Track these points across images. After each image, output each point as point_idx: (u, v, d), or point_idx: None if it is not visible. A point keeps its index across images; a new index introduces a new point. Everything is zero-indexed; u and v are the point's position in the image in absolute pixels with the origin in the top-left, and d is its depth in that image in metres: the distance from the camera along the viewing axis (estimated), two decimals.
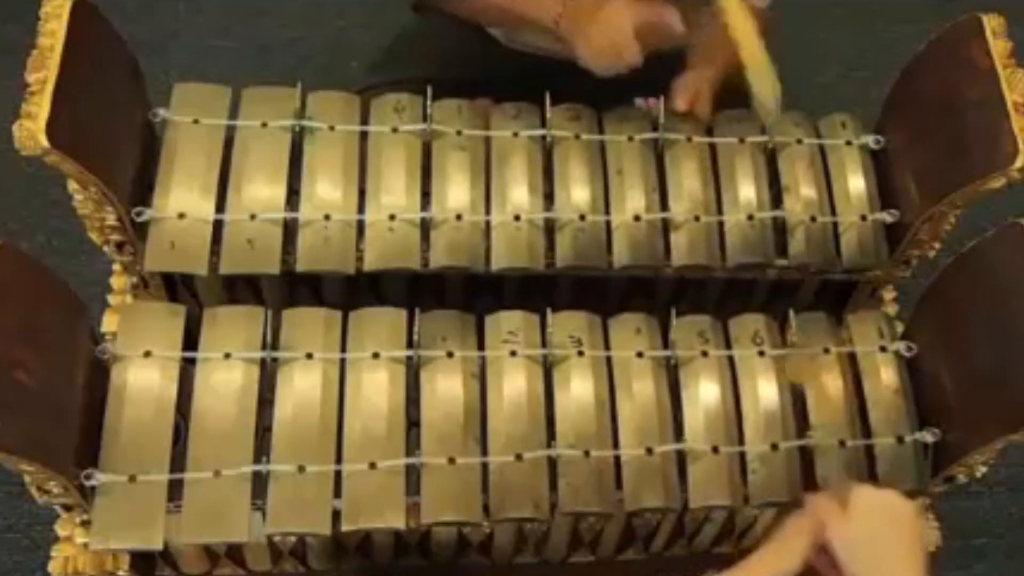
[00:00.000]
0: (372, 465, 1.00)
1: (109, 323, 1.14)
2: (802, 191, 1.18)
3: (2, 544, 1.54)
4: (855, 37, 2.12)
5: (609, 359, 1.09)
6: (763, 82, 1.09)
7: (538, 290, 1.18)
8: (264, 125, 1.13)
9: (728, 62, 1.19)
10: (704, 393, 1.08)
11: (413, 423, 1.04)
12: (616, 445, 1.05)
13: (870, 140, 1.21)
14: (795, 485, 1.06)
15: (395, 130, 1.15)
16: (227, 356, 1.03)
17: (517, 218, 1.13)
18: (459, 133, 1.16)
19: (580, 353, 1.08)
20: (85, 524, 1.01)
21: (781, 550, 0.94)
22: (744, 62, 1.07)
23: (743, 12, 1.06)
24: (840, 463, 1.07)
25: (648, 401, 1.07)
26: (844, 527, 0.93)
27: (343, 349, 1.05)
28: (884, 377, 1.12)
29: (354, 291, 1.16)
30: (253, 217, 1.09)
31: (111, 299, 1.18)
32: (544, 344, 1.07)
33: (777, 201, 1.19)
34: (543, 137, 1.17)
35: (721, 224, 1.16)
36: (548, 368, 1.08)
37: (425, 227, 1.11)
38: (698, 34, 1.21)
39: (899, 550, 0.92)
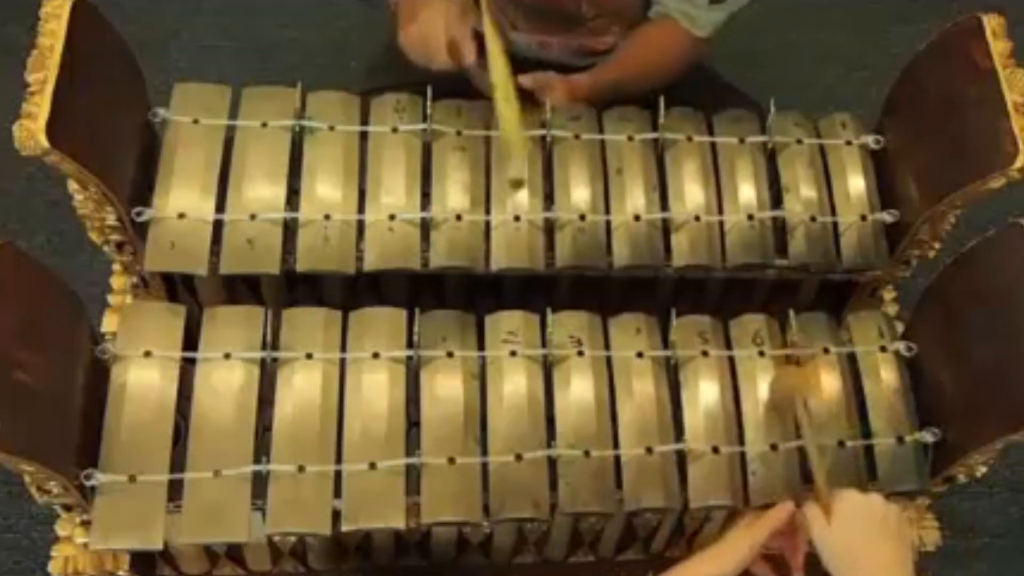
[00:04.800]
0: (372, 465, 1.00)
1: (109, 323, 1.14)
2: (802, 191, 1.18)
3: (2, 544, 1.54)
4: (855, 37, 2.12)
5: (609, 359, 1.09)
6: (510, 125, 1.12)
7: (538, 290, 1.18)
8: (264, 125, 1.13)
9: (618, 77, 1.31)
10: (704, 393, 1.08)
11: (413, 423, 1.04)
12: (616, 445, 1.05)
13: (870, 140, 1.21)
14: (795, 485, 1.06)
15: (395, 130, 1.15)
16: (227, 356, 1.03)
17: (517, 218, 1.13)
18: (459, 133, 1.16)
19: (580, 353, 1.08)
20: (85, 524, 1.01)
21: (720, 554, 0.95)
22: (497, 105, 1.12)
23: (500, 57, 1.12)
24: (839, 463, 1.07)
25: (648, 401, 1.07)
26: (826, 532, 0.94)
27: (343, 349, 1.05)
28: (884, 377, 1.12)
29: (354, 291, 1.16)
30: (253, 217, 1.09)
31: (111, 299, 1.18)
32: (544, 344, 1.07)
33: (777, 201, 1.19)
34: (543, 137, 1.17)
35: (721, 224, 1.16)
36: (548, 368, 1.08)
37: (425, 227, 1.11)
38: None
39: (881, 552, 0.92)
